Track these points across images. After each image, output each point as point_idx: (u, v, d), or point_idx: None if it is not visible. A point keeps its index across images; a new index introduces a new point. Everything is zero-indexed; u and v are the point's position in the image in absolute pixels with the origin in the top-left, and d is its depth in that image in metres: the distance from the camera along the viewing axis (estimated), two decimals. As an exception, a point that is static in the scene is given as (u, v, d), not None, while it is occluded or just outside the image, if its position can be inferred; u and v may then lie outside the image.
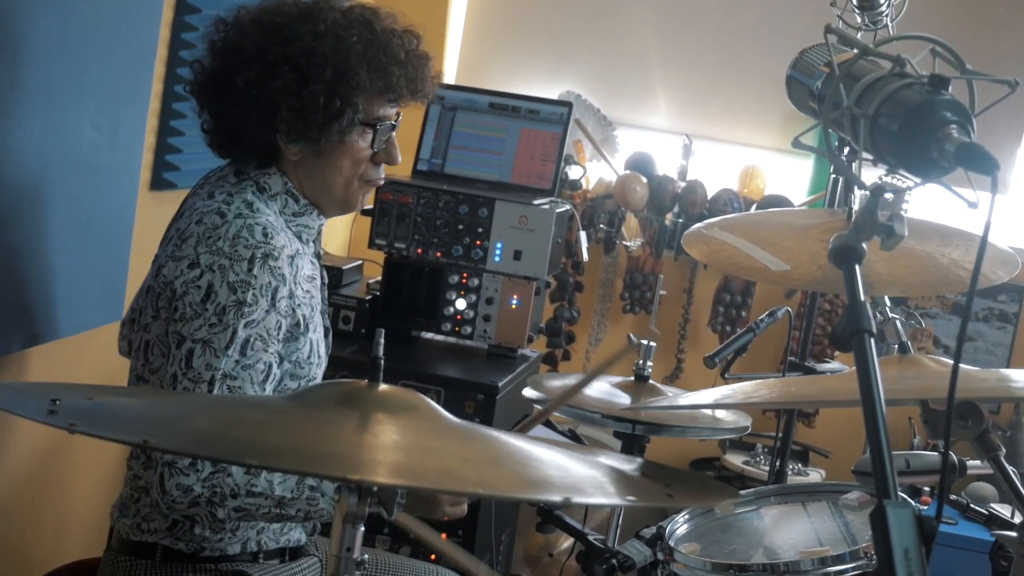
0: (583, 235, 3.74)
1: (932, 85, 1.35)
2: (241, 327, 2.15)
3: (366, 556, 1.44)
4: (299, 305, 2.26)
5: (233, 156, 2.36)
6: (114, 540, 2.32)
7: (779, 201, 4.22)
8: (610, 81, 4.58)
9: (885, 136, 1.36)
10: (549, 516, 2.73)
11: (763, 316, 2.95)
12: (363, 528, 1.42)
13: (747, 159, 4.44)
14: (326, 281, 2.48)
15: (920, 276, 2.54)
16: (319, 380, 2.36)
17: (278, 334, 2.23)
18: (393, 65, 2.29)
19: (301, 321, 2.26)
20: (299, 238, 2.31)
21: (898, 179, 1.41)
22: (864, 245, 1.40)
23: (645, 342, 2.91)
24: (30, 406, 1.37)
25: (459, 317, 3.47)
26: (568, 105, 3.70)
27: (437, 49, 4.54)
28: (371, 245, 3.51)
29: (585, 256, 3.73)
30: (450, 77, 4.62)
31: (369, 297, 3.48)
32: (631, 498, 1.44)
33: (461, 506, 2.33)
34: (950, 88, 1.35)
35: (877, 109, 1.37)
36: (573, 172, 4.36)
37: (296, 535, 2.38)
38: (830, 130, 1.47)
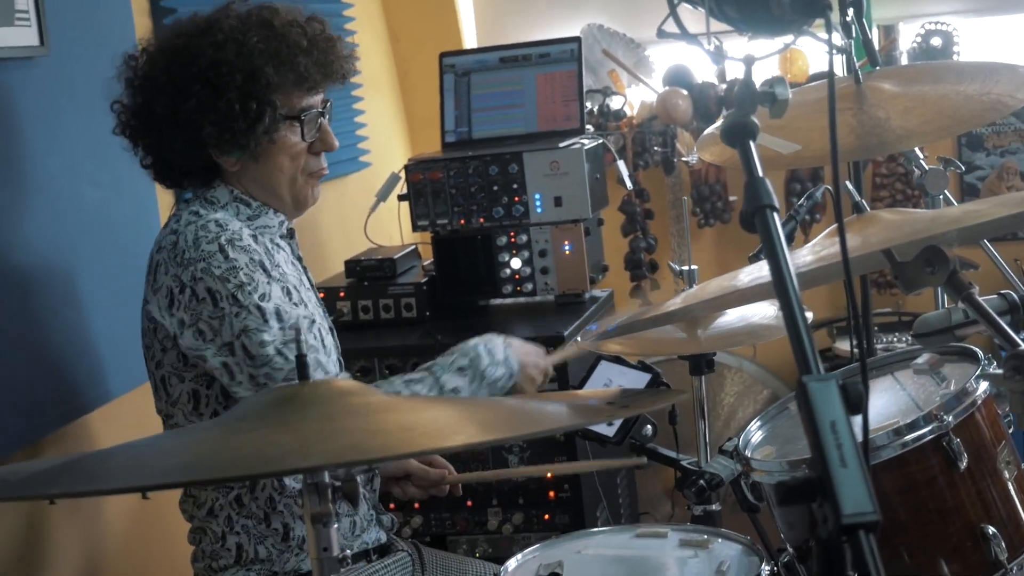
0: (620, 164, 3.67)
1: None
2: (258, 301, 2.19)
3: (348, 552, 1.44)
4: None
5: (178, 184, 2.42)
6: (197, 588, 2.37)
7: (818, 79, 4.10)
8: (629, 2, 4.50)
9: (728, 3, 1.30)
10: (640, 451, 2.72)
11: (802, 200, 2.87)
12: (336, 525, 1.41)
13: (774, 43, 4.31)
14: (313, 283, 2.49)
15: (936, 121, 2.46)
16: (332, 372, 2.37)
17: (292, 296, 2.26)
18: (299, 55, 2.30)
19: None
20: (268, 241, 2.32)
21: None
22: (754, 119, 1.35)
23: (686, 267, 2.84)
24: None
25: (517, 276, 3.44)
26: (576, 40, 3.64)
27: (450, 17, 4.52)
28: (415, 228, 3.51)
29: (628, 184, 3.67)
30: (471, 41, 4.59)
31: (425, 279, 3.47)
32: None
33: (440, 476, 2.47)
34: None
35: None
36: (615, 103, 4.32)
37: (375, 535, 2.39)
38: (693, 6, 1.41)
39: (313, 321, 2.30)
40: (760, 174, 1.32)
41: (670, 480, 4.27)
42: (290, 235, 2.44)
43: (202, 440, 1.45)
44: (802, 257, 1.91)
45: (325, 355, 2.31)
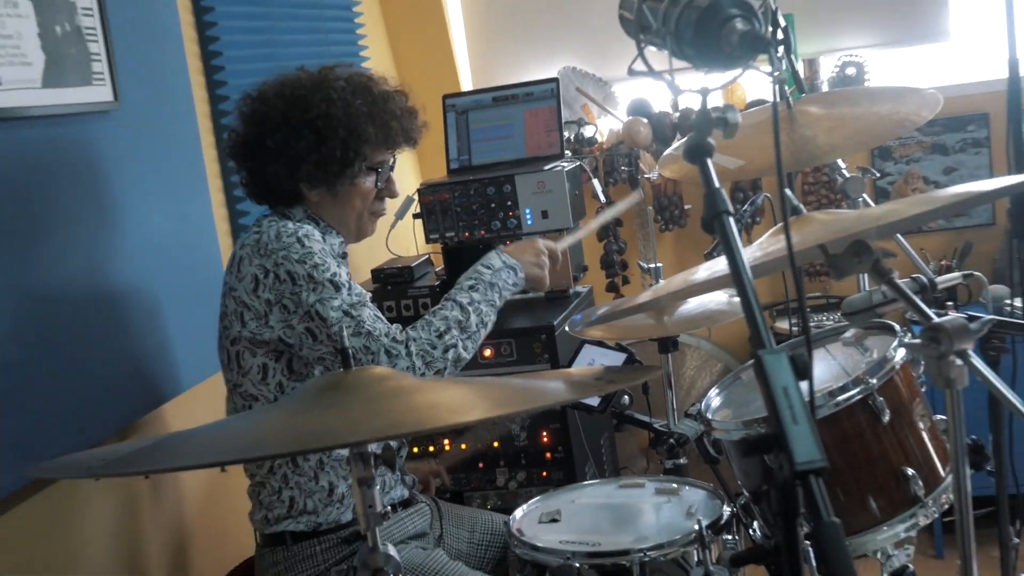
0: (594, 181, 3.65)
1: (712, -9, 1.26)
2: (331, 276, 2.19)
3: (388, 508, 1.42)
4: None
5: (265, 202, 2.41)
6: (257, 538, 2.35)
7: (759, 104, 4.08)
8: (597, 48, 4.47)
9: (687, 44, 1.28)
10: (620, 417, 2.71)
11: (745, 206, 2.85)
12: (378, 487, 1.39)
13: (725, 76, 4.29)
14: None
15: (855, 137, 2.45)
16: (384, 328, 2.32)
17: (351, 280, 2.26)
18: (392, 121, 2.33)
19: None
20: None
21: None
22: (710, 140, 1.33)
23: (653, 265, 2.82)
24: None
25: (512, 278, 3.42)
26: (554, 80, 3.61)
27: (449, 64, 4.50)
28: (428, 241, 3.49)
29: (602, 198, 3.64)
30: (467, 83, 4.57)
31: (438, 283, 3.45)
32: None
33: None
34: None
35: (676, 23, 1.30)
36: (587, 131, 4.31)
37: (399, 492, 2.38)
38: (656, 48, 1.39)
39: (370, 297, 2.30)
40: (717, 185, 1.30)
41: (644, 440, 4.26)
42: (343, 256, 2.42)
43: (267, 422, 1.44)
44: (751, 253, 1.89)
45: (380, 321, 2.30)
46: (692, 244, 4.43)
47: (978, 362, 1.39)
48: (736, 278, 1.20)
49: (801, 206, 1.78)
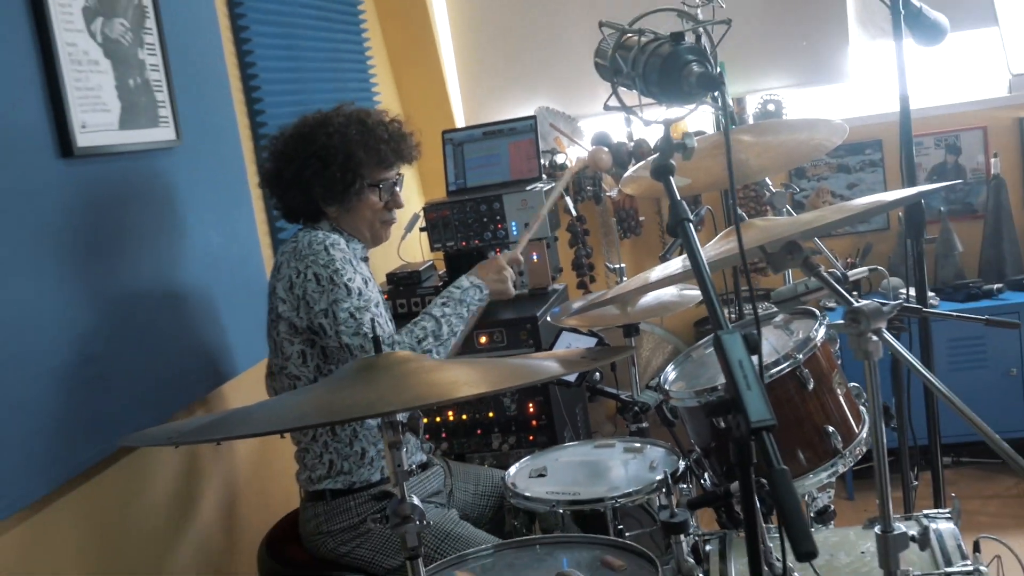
0: (567, 199, 3.67)
1: (673, 40, 1.30)
2: (346, 282, 2.20)
3: (413, 465, 1.44)
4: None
5: (297, 221, 2.41)
6: (301, 494, 2.36)
7: (698, 135, 4.11)
8: (567, 89, 4.50)
9: (653, 84, 1.31)
10: (592, 390, 2.71)
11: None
12: (405, 449, 1.41)
13: (684, 110, 4.31)
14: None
15: (782, 159, 2.49)
16: (390, 330, 2.35)
17: (368, 286, 2.26)
18: (381, 144, 2.31)
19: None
20: (353, 257, 2.32)
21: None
22: (672, 161, 1.36)
23: (618, 265, 2.85)
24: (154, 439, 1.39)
25: (502, 278, 3.44)
26: (532, 118, 3.64)
27: (445, 104, 4.52)
28: (432, 249, 3.50)
29: (573, 212, 3.68)
30: (460, 119, 4.59)
31: (441, 284, 3.47)
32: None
33: None
34: (689, 38, 1.31)
35: (644, 68, 1.33)
36: (559, 158, 4.31)
37: (419, 457, 2.39)
38: (626, 88, 1.42)
39: (379, 300, 2.30)
40: (678, 198, 1.33)
41: (612, 409, 4.29)
42: (365, 260, 2.44)
43: (315, 397, 1.45)
44: (706, 252, 1.92)
45: (386, 321, 2.32)
46: (646, 249, 4.46)
47: (890, 337, 1.43)
48: (696, 272, 1.23)
49: (743, 214, 1.80)
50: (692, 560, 1.78)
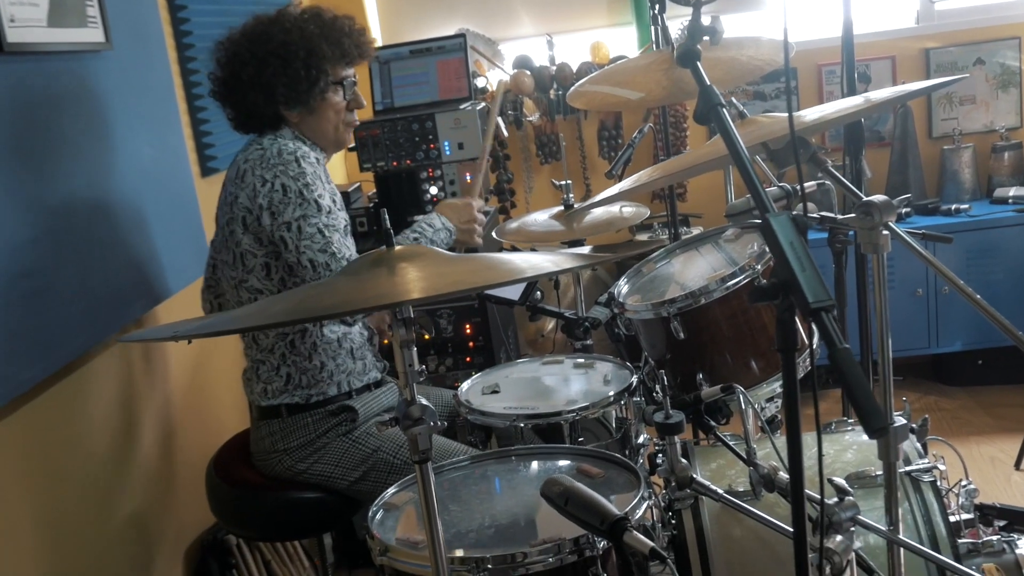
0: (500, 120, 3.61)
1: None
2: (316, 198, 2.11)
3: (424, 367, 1.39)
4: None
5: (255, 130, 2.27)
6: (253, 411, 2.27)
7: (620, 59, 4.09)
8: (488, 12, 4.39)
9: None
10: (535, 309, 2.68)
11: (635, 134, 2.87)
12: (415, 348, 1.35)
13: (592, 37, 4.28)
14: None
15: (729, 75, 2.47)
16: (352, 251, 2.27)
17: (337, 203, 2.18)
18: (344, 37, 2.20)
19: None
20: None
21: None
22: (698, 47, 1.32)
23: (565, 182, 2.81)
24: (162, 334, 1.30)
25: (435, 199, 3.37)
26: (462, 36, 3.54)
27: (362, 23, 4.35)
28: (362, 169, 3.39)
29: (505, 134, 3.61)
30: (378, 39, 4.43)
31: (372, 204, 3.38)
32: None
33: None
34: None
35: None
36: (480, 82, 4.23)
37: (374, 375, 2.34)
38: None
39: (346, 223, 2.21)
40: (708, 83, 1.28)
41: (530, 332, 4.29)
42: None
43: (316, 295, 1.37)
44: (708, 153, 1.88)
45: (351, 247, 2.23)
46: (568, 174, 4.44)
47: (900, 230, 1.43)
48: (735, 155, 1.19)
49: (745, 111, 1.78)
50: (685, 461, 1.79)
